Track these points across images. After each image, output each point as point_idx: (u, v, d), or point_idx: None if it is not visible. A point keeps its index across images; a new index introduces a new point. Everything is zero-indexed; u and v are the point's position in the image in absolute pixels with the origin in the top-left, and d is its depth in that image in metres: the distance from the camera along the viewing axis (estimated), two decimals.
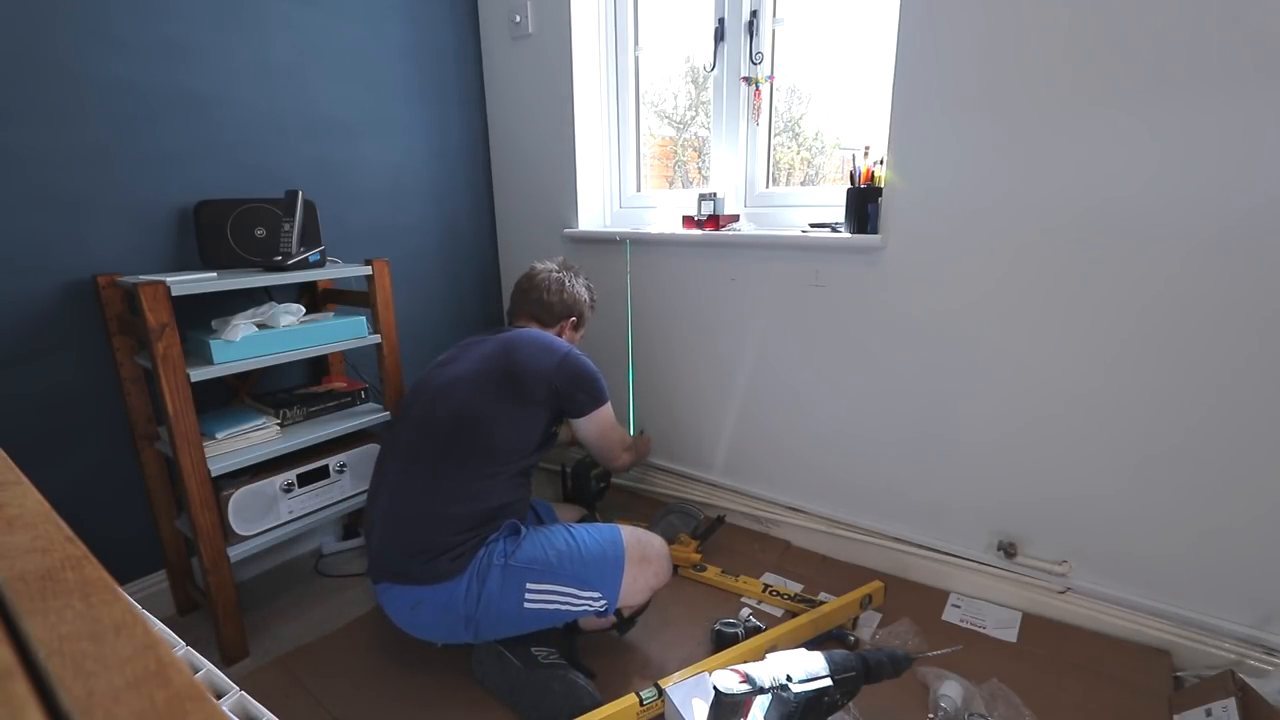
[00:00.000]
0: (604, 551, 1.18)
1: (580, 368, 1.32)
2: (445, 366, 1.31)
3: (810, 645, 1.21)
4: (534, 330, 1.40)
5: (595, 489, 1.71)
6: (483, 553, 1.13)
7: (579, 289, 1.51)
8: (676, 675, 1.12)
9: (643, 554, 1.21)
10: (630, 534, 1.23)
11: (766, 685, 0.87)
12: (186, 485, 1.19)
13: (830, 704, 0.92)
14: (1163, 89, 1.07)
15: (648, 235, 1.77)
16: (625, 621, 1.24)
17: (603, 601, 1.16)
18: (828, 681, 0.90)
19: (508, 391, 1.24)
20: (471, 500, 1.15)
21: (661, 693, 1.08)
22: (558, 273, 1.49)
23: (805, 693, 0.89)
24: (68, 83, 1.22)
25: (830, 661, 0.93)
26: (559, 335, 1.48)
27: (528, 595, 1.11)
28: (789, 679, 0.89)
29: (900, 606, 1.39)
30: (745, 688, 0.86)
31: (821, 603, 1.35)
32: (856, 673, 0.94)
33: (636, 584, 1.19)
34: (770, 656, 0.93)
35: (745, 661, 0.94)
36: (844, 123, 1.63)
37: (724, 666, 0.92)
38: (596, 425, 1.36)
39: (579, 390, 1.31)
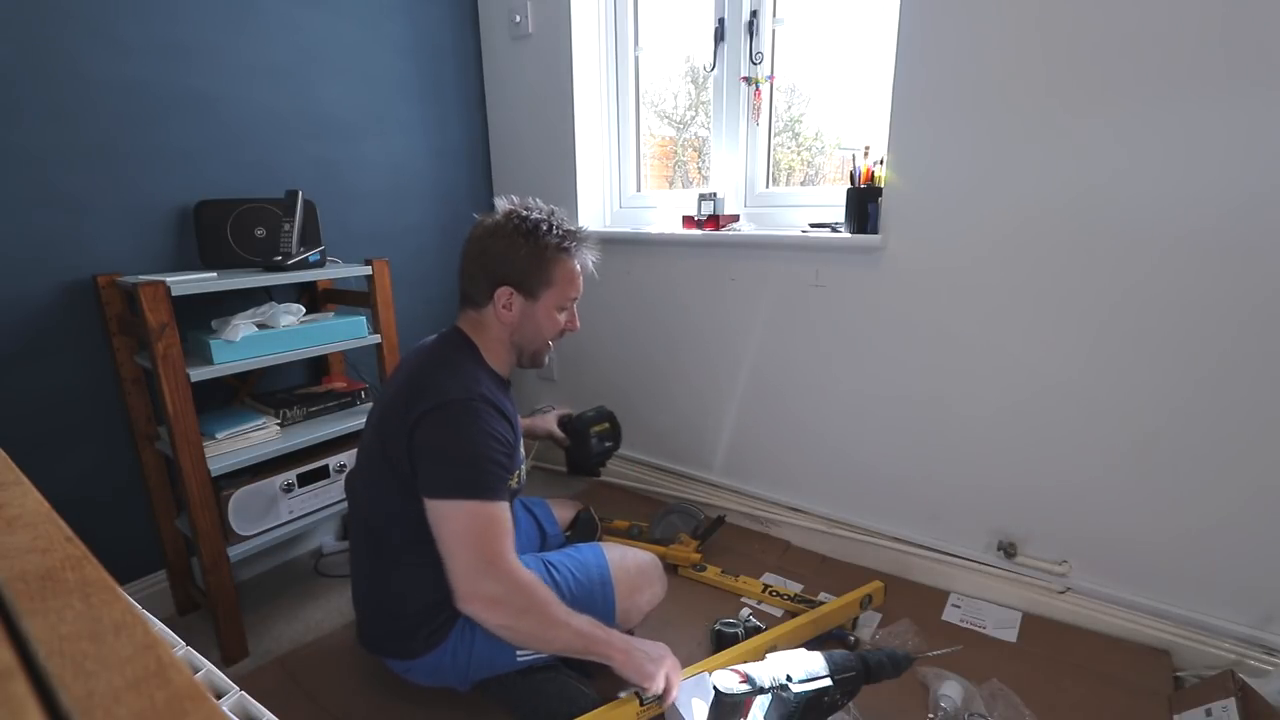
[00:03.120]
0: (592, 594, 1.12)
1: (444, 422, 0.94)
2: (387, 386, 1.10)
3: (810, 645, 1.21)
4: (445, 350, 1.05)
5: (599, 449, 1.45)
6: (461, 621, 1.03)
7: (508, 240, 1.01)
8: None
9: (632, 586, 1.16)
10: (618, 568, 1.16)
11: (766, 685, 0.87)
12: (186, 485, 1.19)
13: (830, 704, 0.92)
14: (1161, 90, 1.07)
15: (648, 235, 1.76)
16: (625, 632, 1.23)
17: None
18: (828, 681, 0.90)
19: (378, 453, 1.00)
20: (408, 596, 1.03)
21: None
22: (479, 230, 1.05)
23: (805, 693, 0.89)
24: (68, 83, 1.22)
25: (830, 661, 0.93)
26: (504, 315, 1.04)
27: (519, 651, 1.06)
28: (789, 679, 0.89)
29: (900, 606, 1.39)
30: (745, 688, 0.87)
31: (821, 603, 1.35)
32: (856, 673, 0.94)
33: (630, 615, 1.16)
34: (770, 656, 0.93)
35: (745, 661, 0.94)
36: (844, 123, 1.63)
37: (724, 666, 0.92)
38: (449, 525, 0.93)
39: (426, 452, 0.94)
